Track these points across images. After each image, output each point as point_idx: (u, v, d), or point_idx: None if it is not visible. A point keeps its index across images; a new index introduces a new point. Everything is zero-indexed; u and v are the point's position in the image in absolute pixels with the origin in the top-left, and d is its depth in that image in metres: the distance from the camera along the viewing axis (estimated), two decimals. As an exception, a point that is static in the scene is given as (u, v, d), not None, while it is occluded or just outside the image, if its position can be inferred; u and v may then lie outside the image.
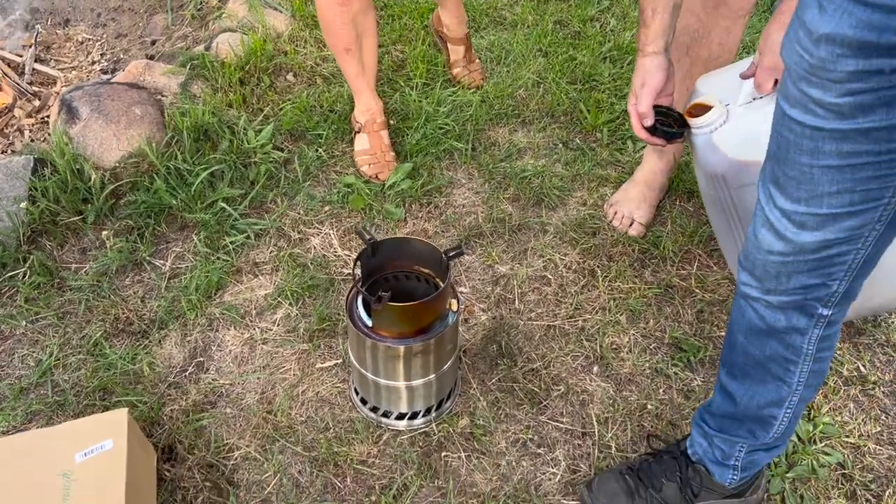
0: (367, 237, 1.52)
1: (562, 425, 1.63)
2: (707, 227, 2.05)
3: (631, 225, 2.05)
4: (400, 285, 1.61)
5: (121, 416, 1.42)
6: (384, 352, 1.50)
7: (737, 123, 1.49)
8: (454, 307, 1.56)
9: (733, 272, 1.80)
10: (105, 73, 2.73)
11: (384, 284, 1.62)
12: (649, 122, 1.57)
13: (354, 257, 1.63)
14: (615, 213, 2.09)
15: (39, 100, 2.58)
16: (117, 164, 2.12)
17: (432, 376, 1.57)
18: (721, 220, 1.64)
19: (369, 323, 1.50)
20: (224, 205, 2.05)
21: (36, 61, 2.73)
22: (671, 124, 1.58)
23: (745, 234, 1.43)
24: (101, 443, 1.38)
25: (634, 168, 2.23)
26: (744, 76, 1.50)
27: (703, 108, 1.55)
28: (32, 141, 2.39)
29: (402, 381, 1.56)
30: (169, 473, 1.55)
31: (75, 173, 2.05)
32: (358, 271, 1.55)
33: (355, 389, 1.67)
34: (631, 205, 2.07)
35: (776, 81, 1.44)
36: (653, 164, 2.09)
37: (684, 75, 1.79)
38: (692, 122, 1.55)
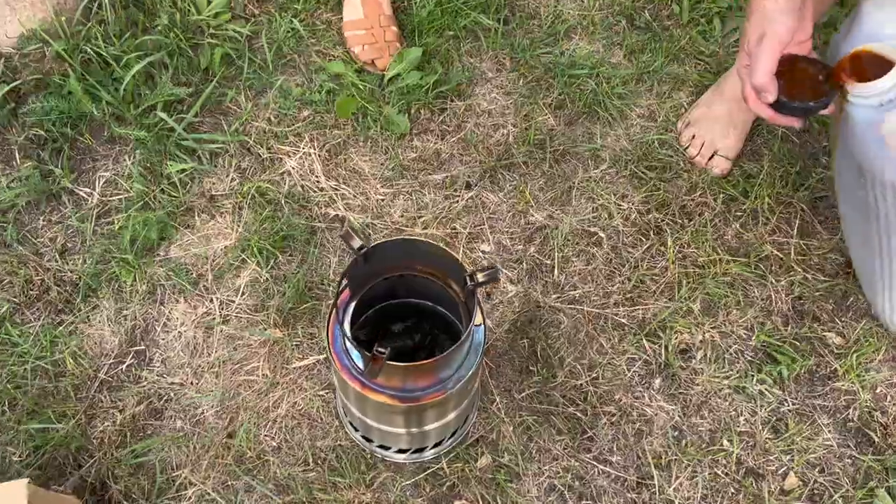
0: (358, 245, 1.03)
1: (611, 470, 1.26)
2: (818, 169, 1.53)
3: (712, 158, 1.53)
4: (405, 287, 1.15)
5: (18, 493, 1.03)
6: (381, 406, 1.08)
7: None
8: (478, 320, 1.11)
9: (879, 317, 1.32)
10: None
11: (381, 301, 1.15)
12: (772, 96, 1.02)
13: (340, 275, 1.15)
14: (692, 137, 1.55)
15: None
16: (14, 51, 1.53)
17: (449, 419, 1.16)
18: (866, 237, 1.14)
19: (359, 363, 1.06)
20: (164, 116, 1.50)
21: None
22: (808, 89, 1.03)
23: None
24: (-8, 537, 1.01)
25: (723, 65, 1.65)
26: None
27: (874, 61, 0.99)
28: None
29: (403, 429, 1.16)
30: (102, 524, 1.20)
31: (-46, 64, 1.48)
32: (346, 299, 1.08)
33: (343, 410, 1.27)
34: (715, 129, 1.53)
35: None
36: (753, 75, 1.51)
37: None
38: (853, 87, 0.99)
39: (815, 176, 1.51)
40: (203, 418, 1.30)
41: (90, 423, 1.28)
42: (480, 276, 1.01)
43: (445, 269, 1.09)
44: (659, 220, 1.48)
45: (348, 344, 1.04)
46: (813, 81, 1.04)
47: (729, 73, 1.56)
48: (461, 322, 1.12)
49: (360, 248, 1.03)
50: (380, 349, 0.96)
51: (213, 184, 1.51)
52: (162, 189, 1.48)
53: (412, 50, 1.61)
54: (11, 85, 1.50)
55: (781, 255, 1.44)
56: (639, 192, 1.51)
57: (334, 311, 1.05)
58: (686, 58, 1.68)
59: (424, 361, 1.00)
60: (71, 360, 1.33)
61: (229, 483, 1.24)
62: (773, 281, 1.41)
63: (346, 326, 1.05)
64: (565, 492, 1.24)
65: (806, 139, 1.57)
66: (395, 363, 0.98)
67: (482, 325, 1.10)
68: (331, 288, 1.40)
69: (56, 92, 1.50)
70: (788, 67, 1.03)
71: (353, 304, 1.11)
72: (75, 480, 1.23)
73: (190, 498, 1.23)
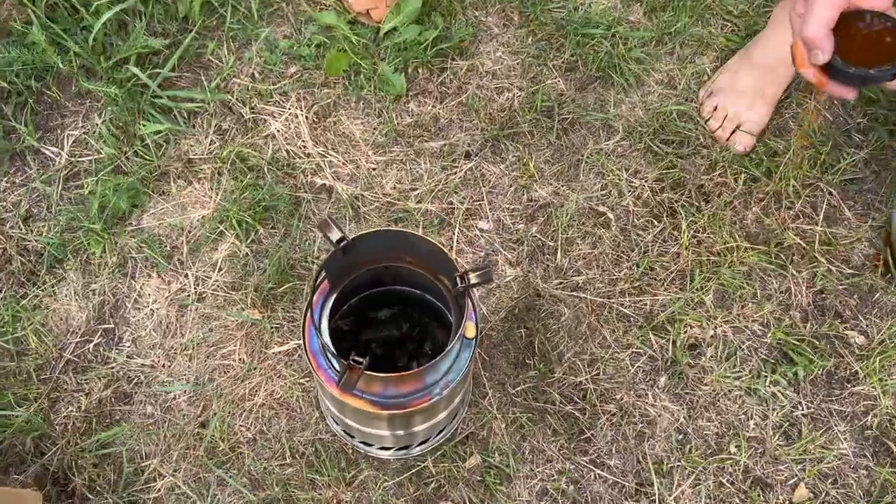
0: (338, 237, 0.92)
1: (608, 474, 1.17)
2: (851, 149, 1.40)
3: (735, 133, 1.39)
4: (391, 274, 1.05)
5: (-35, 494, 0.96)
6: (361, 412, 0.98)
7: None
8: (470, 333, 1.01)
9: None
10: None
11: (366, 289, 1.05)
12: (824, 55, 0.87)
13: (316, 268, 1.05)
14: (714, 108, 1.42)
15: None
16: (-31, -7, 1.39)
17: (437, 419, 1.07)
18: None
19: (337, 365, 0.97)
20: (137, 71, 1.37)
21: None
22: (872, 52, 0.88)
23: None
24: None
25: (752, 27, 1.50)
26: None
27: None
28: None
29: (387, 432, 1.07)
30: (64, 517, 1.13)
31: None
32: (324, 295, 0.97)
33: (324, 403, 1.18)
34: (740, 101, 1.39)
35: None
36: (785, 43, 1.37)
37: None
38: None
39: (847, 157, 1.38)
40: (175, 405, 1.21)
41: (53, 407, 1.20)
42: (473, 277, 0.91)
43: (435, 265, 0.98)
44: (673, 201, 1.36)
45: (326, 352, 0.94)
46: (879, 43, 0.86)
47: (759, 38, 1.42)
48: (451, 312, 1.02)
49: (340, 240, 0.93)
50: (356, 358, 0.87)
51: (191, 146, 1.39)
52: (135, 151, 1.37)
53: (411, 0, 1.46)
54: (-32, 32, 1.37)
55: (804, 244, 1.32)
56: (653, 169, 1.38)
57: (309, 311, 0.95)
58: (712, 18, 1.53)
59: (406, 372, 0.90)
60: (34, 338, 1.24)
61: (201, 476, 1.17)
62: (794, 272, 1.30)
63: (325, 334, 0.95)
64: (558, 497, 1.16)
65: (839, 114, 1.44)
66: (374, 374, 0.88)
67: (475, 324, 1.00)
68: (314, 265, 1.30)
69: (18, 41, 1.37)
70: (851, 22, 0.86)
71: (332, 298, 1.01)
72: (37, 469, 1.15)
73: (159, 490, 1.16)
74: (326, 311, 1.00)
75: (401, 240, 0.97)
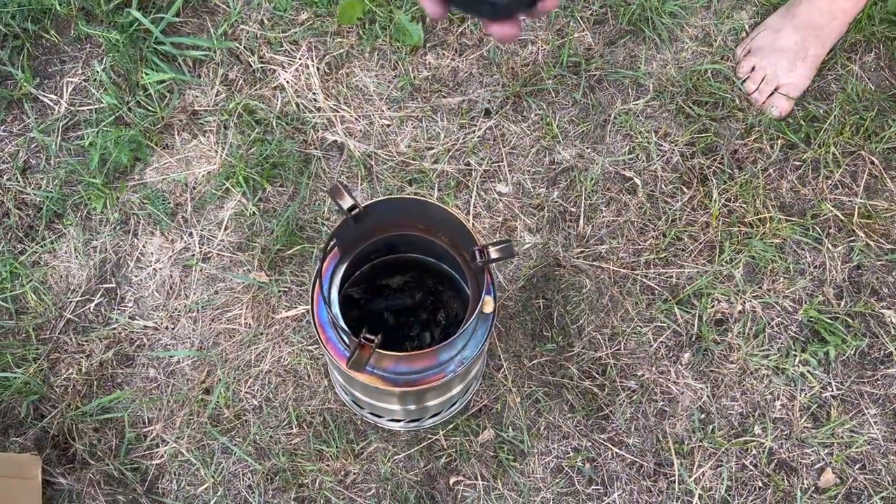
0: (349, 204, 0.86)
1: (626, 453, 1.13)
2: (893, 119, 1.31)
3: (772, 95, 1.31)
4: (405, 241, 0.99)
5: (-40, 462, 0.92)
6: (372, 388, 0.94)
7: None
8: (488, 308, 0.95)
9: None
10: None
11: (378, 256, 0.99)
12: None
13: (327, 236, 0.99)
14: (752, 69, 1.33)
15: None
16: (-39, -73, 1.31)
17: (450, 395, 1.03)
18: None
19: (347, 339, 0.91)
20: (139, 15, 1.29)
21: None
22: None
23: None
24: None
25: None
26: None
27: None
28: None
29: (399, 406, 1.02)
30: (65, 482, 1.10)
31: None
32: (333, 264, 0.91)
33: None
34: (780, 61, 1.30)
35: None
36: (831, 0, 1.27)
37: None
38: None
39: (893, 124, 1.29)
40: (178, 369, 1.17)
41: (53, 368, 1.16)
42: (493, 252, 0.85)
43: (453, 236, 0.92)
44: (704, 167, 1.28)
45: (336, 327, 0.89)
46: None
47: (805, -4, 1.32)
48: (468, 283, 0.97)
49: (352, 208, 0.86)
50: (367, 336, 0.81)
51: (196, 97, 1.32)
52: (137, 101, 1.30)
53: (431, -55, 1.36)
54: (-39, -31, 1.29)
55: (842, 217, 1.25)
56: (684, 132, 1.30)
57: (318, 282, 0.89)
58: (753, -31, 1.42)
59: (419, 352, 0.85)
60: (33, 296, 1.19)
61: (205, 443, 1.13)
62: (830, 246, 1.23)
63: (336, 305, 0.89)
64: (574, 475, 1.12)
65: (885, 77, 1.35)
66: (386, 352, 0.83)
67: (493, 298, 0.94)
68: (325, 227, 1.24)
69: (13, -21, 1.29)
70: None
71: (343, 265, 0.95)
72: (36, 432, 1.12)
73: (162, 457, 1.13)
74: (337, 280, 0.94)
75: (417, 208, 0.91)
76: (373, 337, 0.81)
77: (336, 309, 0.89)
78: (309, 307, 0.98)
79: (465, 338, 0.91)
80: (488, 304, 0.93)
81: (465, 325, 0.85)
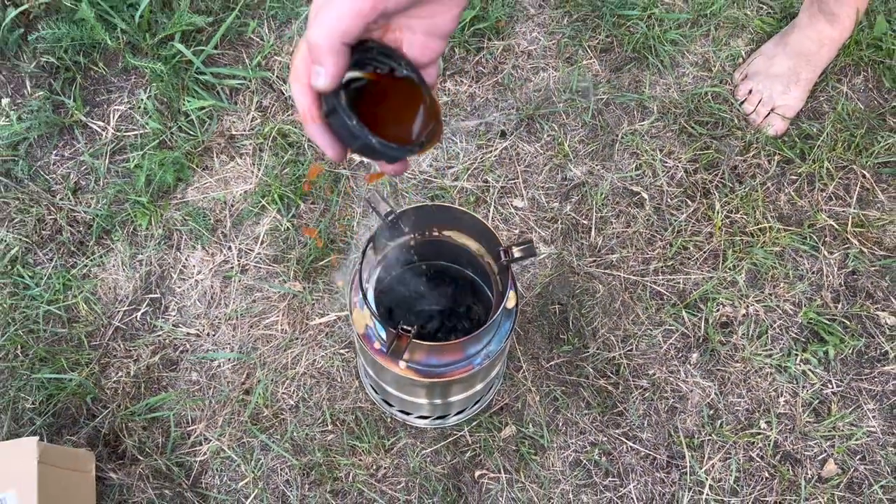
0: (386, 210, 0.96)
1: (640, 447, 1.20)
2: (885, 132, 1.41)
3: (769, 116, 1.41)
4: (433, 250, 1.08)
5: (28, 451, 1.00)
6: (403, 379, 1.02)
7: None
8: (511, 303, 1.04)
9: None
10: None
11: (406, 264, 1.08)
12: (327, 80, 0.53)
13: (364, 241, 1.08)
14: (750, 92, 1.43)
15: None
16: (21, -30, 1.43)
17: (474, 390, 1.11)
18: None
19: (383, 333, 1.00)
20: (182, 48, 1.40)
21: None
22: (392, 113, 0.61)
23: None
24: (1, 495, 0.98)
25: (788, 10, 1.51)
26: None
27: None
28: None
29: (425, 400, 1.10)
30: (115, 477, 1.17)
31: (-40, -17, 1.39)
32: (371, 265, 1.01)
33: (364, 371, 1.22)
34: (775, 84, 1.40)
35: None
36: (819, 30, 1.38)
37: None
38: None
39: (882, 140, 1.39)
40: (219, 372, 1.25)
41: (104, 372, 1.24)
42: (516, 251, 0.94)
43: (478, 239, 1.01)
44: (707, 182, 1.37)
45: (374, 319, 0.97)
46: (397, 102, 0.59)
47: (794, 23, 1.42)
48: (492, 291, 1.06)
49: (388, 213, 0.96)
50: (405, 327, 0.90)
51: (233, 122, 1.42)
52: (179, 126, 1.40)
53: (449, -19, 1.48)
54: (21, 8, 1.41)
55: (837, 226, 1.34)
56: (687, 150, 1.40)
57: (357, 280, 0.98)
58: (748, 1, 1.53)
59: (451, 342, 0.93)
60: (84, 306, 1.28)
61: (245, 440, 1.21)
62: (826, 253, 1.32)
63: (371, 301, 0.98)
64: (591, 467, 1.19)
65: (873, 97, 1.45)
66: (421, 342, 0.91)
67: (515, 294, 1.03)
68: (353, 240, 1.33)
69: (68, 17, 1.41)
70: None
71: (378, 270, 1.04)
72: (88, 431, 1.20)
73: (205, 453, 1.20)
74: (373, 281, 1.03)
75: (445, 214, 1.00)
76: (409, 328, 0.90)
77: (373, 306, 0.98)
78: (347, 306, 1.07)
79: (490, 331, 1.00)
80: (511, 299, 1.02)
81: (493, 317, 0.94)
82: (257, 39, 1.49)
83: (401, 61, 0.56)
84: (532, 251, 0.94)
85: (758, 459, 1.19)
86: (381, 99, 0.58)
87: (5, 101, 1.36)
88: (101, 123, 1.42)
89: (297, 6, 1.51)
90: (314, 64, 0.53)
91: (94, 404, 1.22)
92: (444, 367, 1.00)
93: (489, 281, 1.05)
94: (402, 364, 0.98)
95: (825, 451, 1.20)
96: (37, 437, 1.01)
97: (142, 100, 1.42)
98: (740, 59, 1.48)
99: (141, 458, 1.19)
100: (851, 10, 1.35)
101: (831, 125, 1.40)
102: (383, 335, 0.99)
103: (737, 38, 1.50)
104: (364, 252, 0.96)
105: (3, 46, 1.41)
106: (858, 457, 1.20)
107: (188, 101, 1.40)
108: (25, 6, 1.40)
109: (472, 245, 1.03)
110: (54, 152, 1.40)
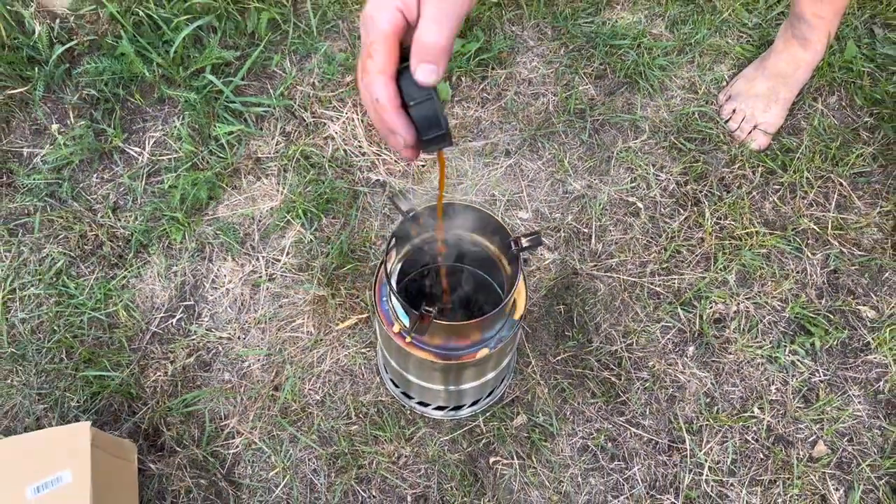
0: (407, 207, 1.07)
1: (643, 432, 1.29)
2: (858, 145, 1.53)
3: (752, 132, 1.53)
4: (447, 253, 1.18)
5: (82, 434, 1.10)
6: (422, 362, 1.12)
7: None
8: (518, 314, 1.14)
9: None
10: None
11: (425, 258, 1.19)
12: (404, 136, 0.66)
13: (386, 240, 1.18)
14: (733, 111, 1.56)
15: None
16: (69, 12, 1.57)
17: (486, 378, 1.20)
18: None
19: (404, 320, 1.10)
20: (213, 78, 1.53)
21: None
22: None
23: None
24: (58, 473, 1.07)
25: (766, 37, 1.65)
26: None
27: None
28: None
29: (441, 386, 1.20)
30: (155, 467, 1.26)
31: (12, 23, 1.52)
32: (393, 259, 1.11)
33: (384, 367, 1.32)
34: (757, 104, 1.53)
35: None
36: (794, 54, 1.51)
37: None
38: None
39: (855, 151, 1.51)
40: (250, 371, 1.35)
41: (143, 372, 1.34)
42: (524, 241, 1.04)
43: (490, 233, 1.12)
44: (697, 192, 1.49)
45: (395, 302, 1.08)
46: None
47: (772, 48, 1.56)
48: (503, 287, 1.16)
49: (409, 210, 1.07)
50: (427, 307, 1.00)
51: (259, 146, 1.55)
52: (210, 150, 1.53)
53: (455, 17, 1.62)
54: (67, 45, 1.55)
55: (818, 229, 1.45)
56: (677, 164, 1.52)
57: (382, 270, 1.09)
58: (728, 30, 1.68)
59: (469, 321, 1.03)
60: (124, 313, 1.38)
61: (275, 433, 1.30)
62: (809, 254, 1.43)
63: (393, 286, 1.09)
64: (598, 452, 1.28)
65: (847, 114, 1.57)
66: (441, 321, 1.01)
67: (524, 290, 1.13)
68: (372, 250, 1.44)
69: (109, 53, 1.54)
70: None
71: (398, 265, 1.15)
72: (129, 426, 1.29)
73: (237, 446, 1.29)
74: (394, 278, 1.14)
75: (461, 210, 1.11)
76: (431, 308, 1.00)
77: (394, 286, 1.08)
78: (372, 300, 1.17)
79: (502, 318, 1.10)
80: (518, 310, 1.12)
81: (504, 303, 1.04)
82: (280, 72, 1.63)
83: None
84: (539, 241, 1.05)
85: (753, 442, 1.28)
86: None
87: (54, 126, 1.49)
88: (137, 149, 1.54)
89: (315, 42, 1.65)
90: (424, 63, 0.62)
91: (134, 401, 1.31)
92: (461, 350, 1.10)
93: (500, 278, 1.16)
94: (420, 347, 1.08)
95: (815, 433, 1.29)
96: (89, 423, 1.10)
97: (175, 126, 1.55)
98: (724, 82, 1.61)
99: (179, 449, 1.28)
100: (823, 35, 1.48)
101: (809, 139, 1.53)
102: (405, 322, 1.09)
103: (720, 64, 1.64)
104: (389, 243, 1.07)
105: (50, 80, 1.54)
106: (846, 438, 1.28)
107: (218, 127, 1.52)
108: (72, 43, 1.54)
109: (485, 241, 1.14)
110: (95, 175, 1.52)
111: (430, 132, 0.68)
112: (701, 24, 1.67)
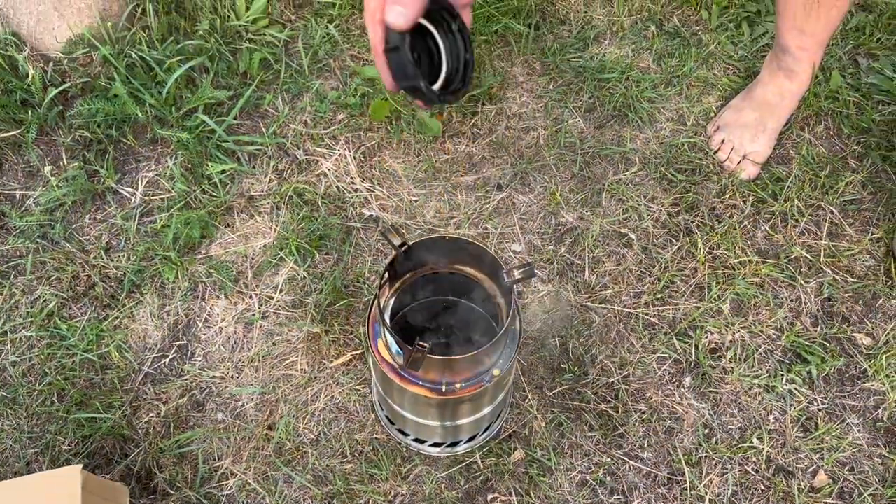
0: (399, 242, 1.07)
1: (642, 465, 1.28)
2: (847, 173, 1.54)
3: (741, 161, 1.55)
4: (441, 285, 1.18)
5: (73, 478, 1.08)
6: (418, 398, 1.11)
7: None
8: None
9: None
10: None
11: (418, 292, 1.19)
12: (399, 16, 0.67)
13: (382, 270, 1.18)
14: (722, 142, 1.57)
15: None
16: (62, 55, 1.58)
17: (483, 413, 1.19)
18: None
19: (398, 357, 1.09)
20: (206, 118, 1.54)
21: None
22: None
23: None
24: (48, 519, 1.05)
25: (752, 69, 1.67)
26: None
27: None
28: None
29: (437, 422, 1.19)
30: (147, 511, 1.24)
31: (6, 67, 1.54)
32: (387, 294, 1.11)
33: (379, 404, 1.30)
34: (745, 134, 1.55)
35: None
36: (780, 84, 1.53)
37: None
38: None
39: (845, 179, 1.52)
40: (243, 411, 1.33)
41: (135, 413, 1.32)
42: (517, 273, 1.04)
43: (483, 266, 1.12)
44: (688, 222, 1.50)
45: (389, 338, 1.07)
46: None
47: (758, 80, 1.58)
48: (496, 320, 1.16)
49: (401, 244, 1.07)
50: (421, 343, 1.00)
51: (252, 184, 1.55)
52: (203, 189, 1.53)
53: (445, 54, 1.64)
54: (60, 88, 1.56)
55: (811, 257, 1.45)
56: (668, 194, 1.53)
57: (375, 306, 1.09)
58: (715, 62, 1.70)
59: (462, 356, 1.03)
60: (116, 354, 1.37)
61: (269, 474, 1.28)
62: (803, 282, 1.43)
63: (387, 322, 1.09)
64: (597, 486, 1.26)
65: (834, 142, 1.59)
66: (435, 356, 1.01)
67: (518, 323, 1.13)
68: (366, 286, 1.44)
69: (102, 95, 1.56)
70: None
71: (392, 301, 1.15)
72: (122, 469, 1.27)
73: (231, 487, 1.27)
74: (387, 313, 1.13)
75: (453, 245, 1.11)
76: (425, 344, 1.00)
77: (387, 322, 1.08)
78: (365, 336, 1.16)
79: (496, 351, 1.09)
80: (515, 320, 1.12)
81: (499, 335, 1.04)
82: (272, 111, 1.64)
83: (457, 20, 0.70)
84: (532, 272, 1.05)
85: (753, 473, 1.27)
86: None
87: (47, 168, 1.49)
88: (130, 189, 1.55)
89: (307, 81, 1.66)
90: (395, 4, 0.64)
91: (126, 443, 1.30)
92: (456, 385, 1.09)
93: (494, 311, 1.15)
94: (415, 383, 1.07)
95: (815, 462, 1.27)
96: (80, 466, 1.09)
97: (168, 166, 1.55)
98: (712, 113, 1.63)
99: (172, 491, 1.26)
100: (807, 66, 1.50)
101: (798, 168, 1.54)
102: (400, 360, 1.08)
103: (707, 95, 1.66)
104: (382, 278, 1.07)
105: (43, 122, 1.55)
106: (847, 467, 1.27)
107: (211, 166, 1.53)
108: (66, 86, 1.55)
109: (478, 274, 1.14)
110: (88, 216, 1.52)
111: (402, 81, 0.68)
112: (688, 57, 1.69)
